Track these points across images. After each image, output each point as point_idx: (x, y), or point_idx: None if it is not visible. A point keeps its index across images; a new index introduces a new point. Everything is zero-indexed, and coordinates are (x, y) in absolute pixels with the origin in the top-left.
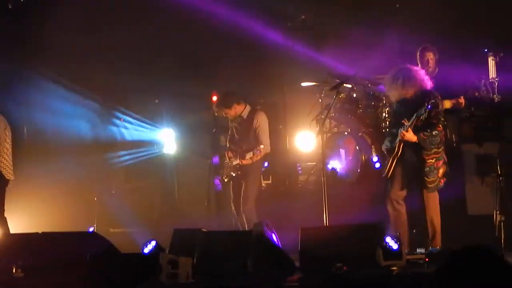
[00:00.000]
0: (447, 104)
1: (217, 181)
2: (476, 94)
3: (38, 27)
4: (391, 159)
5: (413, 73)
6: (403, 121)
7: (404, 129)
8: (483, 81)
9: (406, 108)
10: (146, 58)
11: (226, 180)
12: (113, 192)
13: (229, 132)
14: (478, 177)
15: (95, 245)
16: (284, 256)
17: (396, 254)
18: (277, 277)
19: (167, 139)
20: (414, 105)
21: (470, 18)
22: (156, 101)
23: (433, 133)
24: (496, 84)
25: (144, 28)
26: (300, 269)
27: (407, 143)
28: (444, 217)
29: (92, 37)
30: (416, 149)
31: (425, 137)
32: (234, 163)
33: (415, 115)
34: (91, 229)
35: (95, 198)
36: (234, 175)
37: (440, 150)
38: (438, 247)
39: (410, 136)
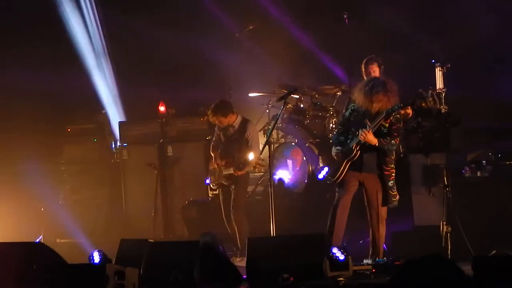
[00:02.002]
0: None
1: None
2: (423, 104)
3: None
4: (344, 162)
5: (389, 87)
6: (365, 121)
7: (366, 129)
8: (430, 91)
9: (363, 119)
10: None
11: (214, 187)
12: (60, 202)
13: (214, 138)
14: (425, 187)
15: (42, 255)
16: (231, 266)
17: (343, 265)
18: None
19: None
20: (375, 117)
21: (417, 29)
22: (104, 111)
23: (392, 142)
24: (443, 94)
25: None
26: (247, 280)
27: (368, 151)
28: (391, 228)
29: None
30: (379, 160)
31: (384, 143)
32: (226, 172)
33: (384, 114)
34: (38, 240)
35: (42, 209)
36: (225, 184)
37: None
38: (384, 258)
39: (371, 137)
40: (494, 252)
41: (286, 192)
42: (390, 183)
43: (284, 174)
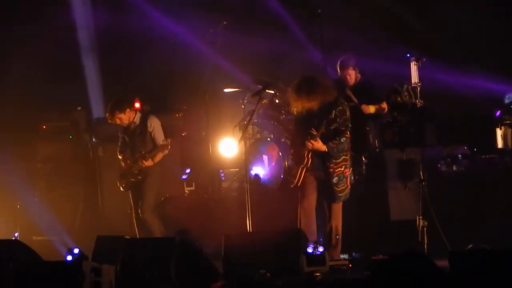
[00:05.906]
0: (371, 109)
1: None
2: (399, 99)
3: None
4: (299, 169)
5: (317, 82)
6: (311, 130)
7: (312, 139)
8: (405, 86)
9: (311, 119)
10: (67, 65)
11: (124, 189)
12: (36, 200)
13: (120, 142)
14: (401, 182)
15: (18, 253)
16: (207, 263)
17: (320, 260)
18: (201, 284)
19: None
20: (320, 115)
21: (392, 23)
22: (79, 108)
23: (341, 140)
24: (418, 89)
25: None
26: (223, 276)
27: (315, 152)
28: (367, 222)
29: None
30: (324, 158)
31: (333, 146)
32: (135, 168)
33: (323, 124)
34: (14, 237)
35: (18, 206)
36: (134, 180)
37: (347, 157)
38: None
39: (319, 145)
40: (470, 246)
41: (262, 187)
42: (335, 180)
43: (260, 170)
